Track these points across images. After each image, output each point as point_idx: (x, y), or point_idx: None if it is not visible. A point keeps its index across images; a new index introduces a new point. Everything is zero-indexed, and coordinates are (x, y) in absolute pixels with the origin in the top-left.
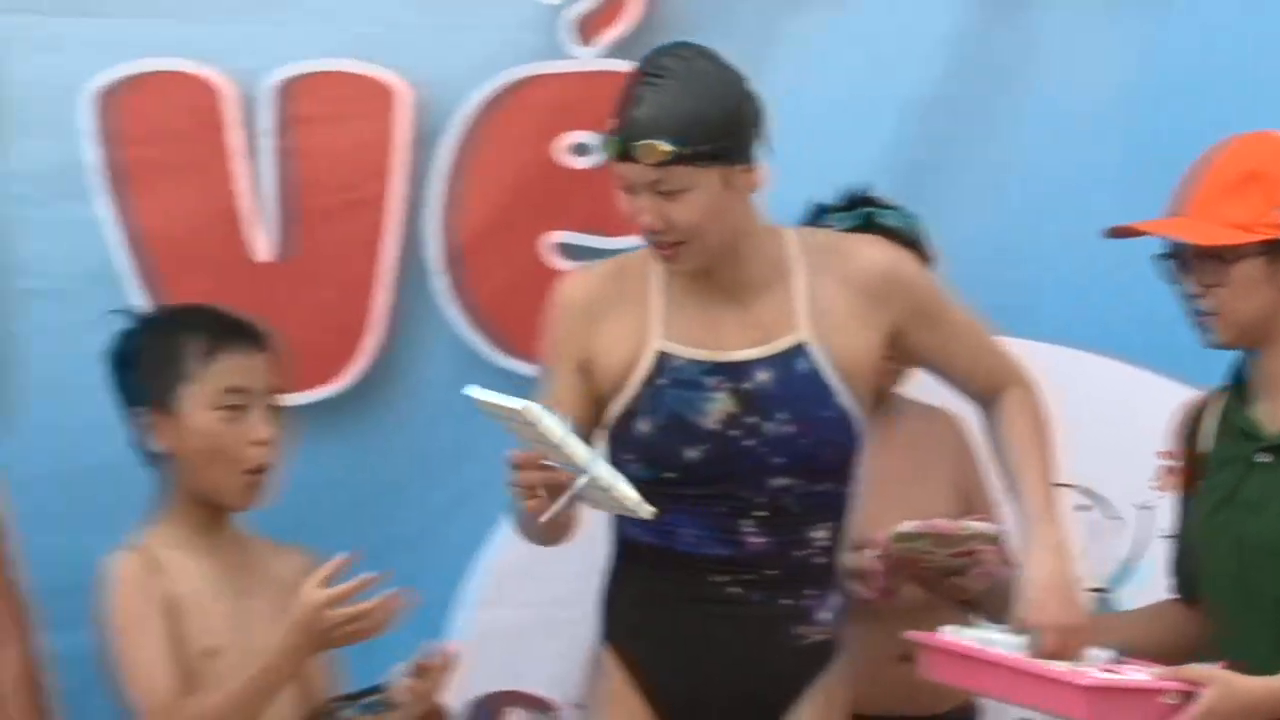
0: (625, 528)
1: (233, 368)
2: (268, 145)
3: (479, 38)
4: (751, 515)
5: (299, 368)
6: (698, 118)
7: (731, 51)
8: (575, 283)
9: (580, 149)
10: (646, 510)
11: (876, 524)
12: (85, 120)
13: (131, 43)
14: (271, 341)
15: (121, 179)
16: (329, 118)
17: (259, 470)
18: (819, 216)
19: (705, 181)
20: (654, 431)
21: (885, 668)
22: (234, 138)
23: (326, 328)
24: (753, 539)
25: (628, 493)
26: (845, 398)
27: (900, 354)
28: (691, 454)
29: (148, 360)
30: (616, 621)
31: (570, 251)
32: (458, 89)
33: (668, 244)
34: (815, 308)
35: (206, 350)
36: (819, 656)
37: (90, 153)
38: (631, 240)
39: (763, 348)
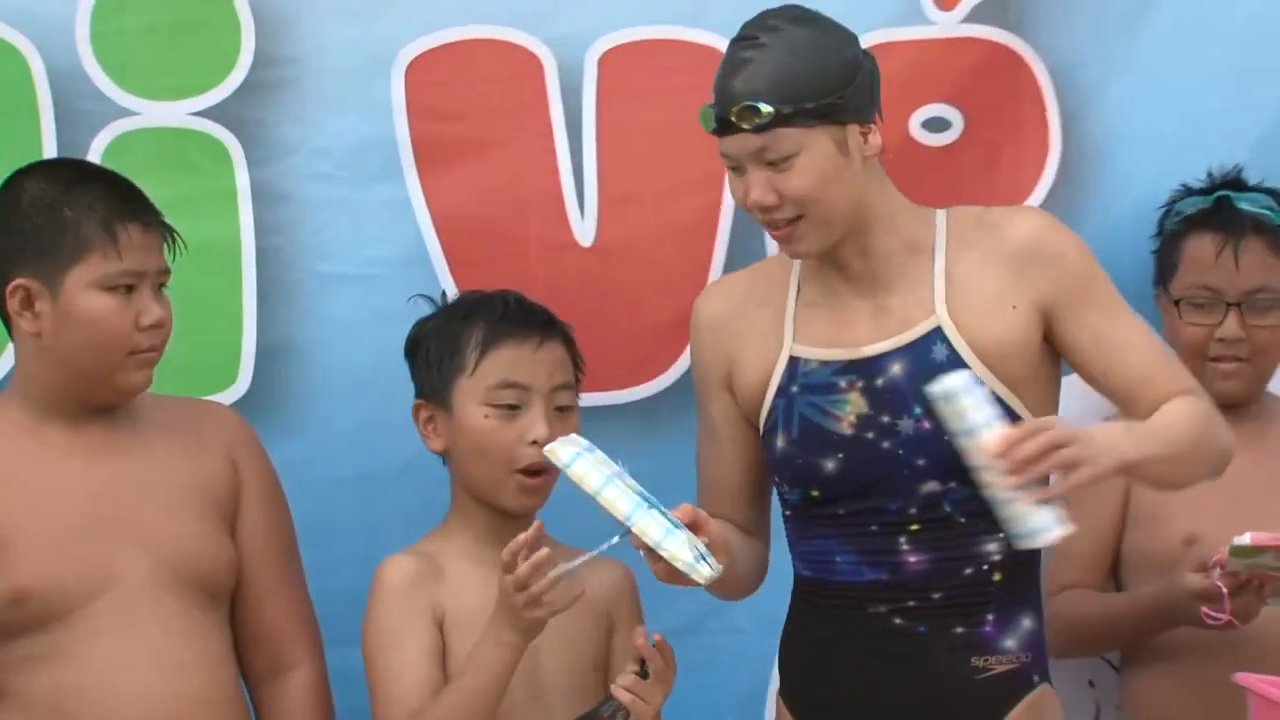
0: (793, 560)
1: (508, 361)
2: (590, 120)
3: (827, 2)
4: (907, 530)
5: (620, 363)
6: (797, 74)
7: (1106, 10)
8: (708, 296)
9: (937, 124)
10: (701, 574)
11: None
12: (395, 94)
13: (445, 10)
14: (563, 334)
15: (433, 156)
16: (658, 90)
17: (533, 471)
18: (1176, 201)
19: (815, 143)
20: (790, 446)
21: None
22: (554, 111)
23: (651, 319)
24: (911, 558)
25: (675, 553)
26: (998, 386)
27: (1058, 348)
28: (829, 466)
29: (429, 352)
30: (785, 672)
31: None
32: None
33: (784, 222)
34: (955, 288)
35: (482, 342)
36: (1008, 691)
37: (400, 129)
38: None
39: (896, 338)
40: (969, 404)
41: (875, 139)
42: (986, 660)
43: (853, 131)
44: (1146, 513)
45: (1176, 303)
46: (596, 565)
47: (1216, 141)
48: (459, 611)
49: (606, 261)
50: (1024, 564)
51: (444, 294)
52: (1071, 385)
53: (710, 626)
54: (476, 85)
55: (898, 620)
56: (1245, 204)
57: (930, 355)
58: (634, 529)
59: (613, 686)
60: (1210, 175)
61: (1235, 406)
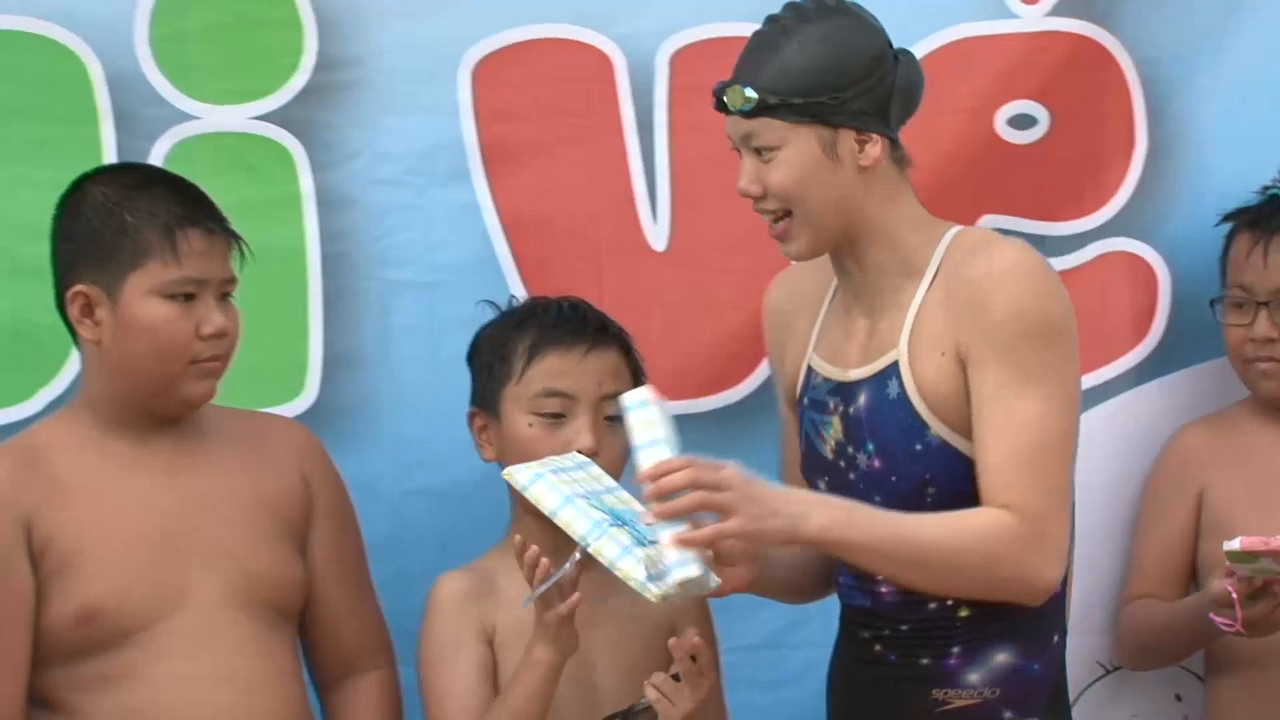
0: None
1: (553, 369)
2: (662, 120)
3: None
4: None
5: (694, 371)
6: (794, 67)
7: (1191, 8)
8: (774, 286)
9: (1023, 121)
10: (651, 593)
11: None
12: (462, 95)
13: (512, 9)
14: (618, 341)
15: (501, 158)
16: None
17: None
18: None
19: (799, 140)
20: (803, 462)
21: None
22: (625, 112)
23: (727, 326)
24: (883, 589)
25: (629, 572)
26: (943, 431)
27: None
28: (822, 487)
29: (482, 359)
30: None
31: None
32: None
33: (773, 217)
34: (920, 321)
35: (529, 350)
36: None
37: (467, 131)
38: (1075, 225)
39: (868, 366)
40: (642, 421)
41: (874, 150)
42: (946, 694)
43: (845, 136)
44: (1217, 520)
45: (1212, 303)
46: None
47: None
48: (511, 625)
49: (680, 266)
50: (999, 602)
51: (510, 299)
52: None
53: (791, 640)
54: (545, 85)
55: (877, 647)
56: None
57: (885, 390)
58: (590, 549)
59: (645, 685)
60: None
61: None
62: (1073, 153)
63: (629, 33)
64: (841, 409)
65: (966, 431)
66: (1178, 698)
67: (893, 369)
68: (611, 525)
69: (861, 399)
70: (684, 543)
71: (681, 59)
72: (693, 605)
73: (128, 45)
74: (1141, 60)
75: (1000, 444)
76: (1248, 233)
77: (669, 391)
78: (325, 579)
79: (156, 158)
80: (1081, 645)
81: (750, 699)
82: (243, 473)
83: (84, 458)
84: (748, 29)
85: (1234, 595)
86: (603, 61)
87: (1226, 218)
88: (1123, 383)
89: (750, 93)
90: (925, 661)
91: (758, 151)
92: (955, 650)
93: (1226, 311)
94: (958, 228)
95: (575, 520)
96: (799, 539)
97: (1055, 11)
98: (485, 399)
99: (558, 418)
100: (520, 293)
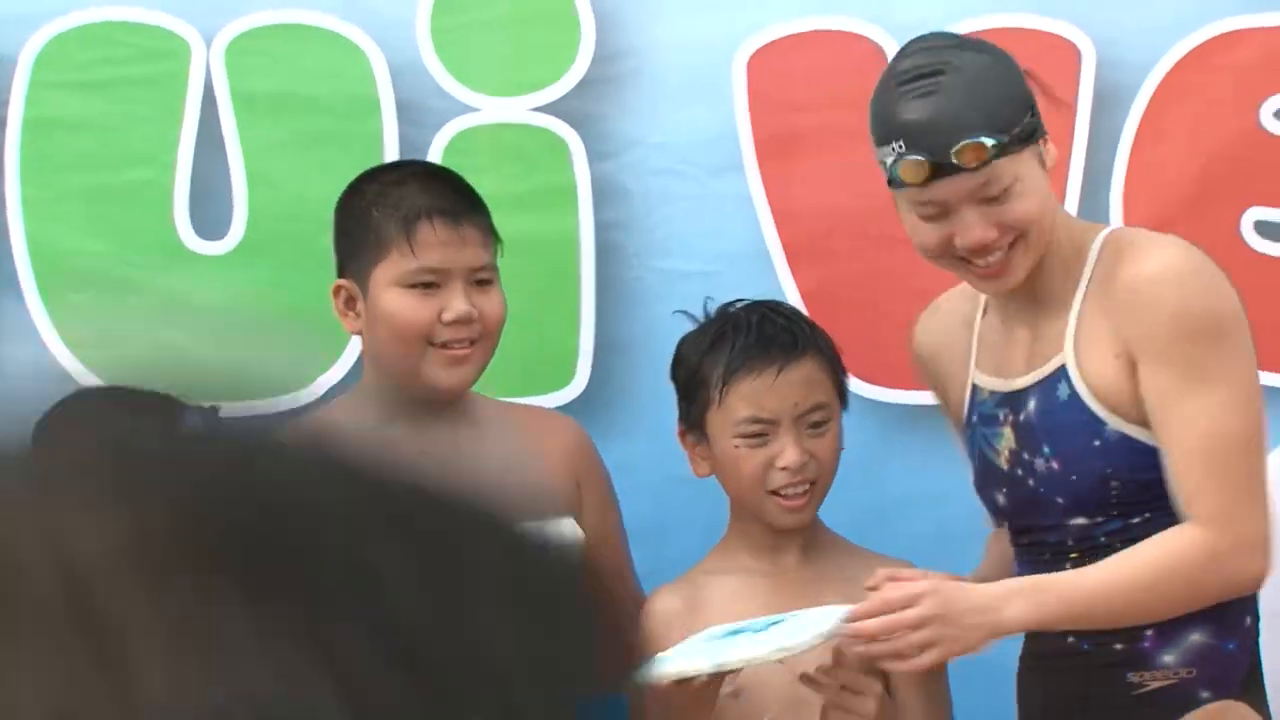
0: None
1: (750, 395)
2: None
3: None
4: (1070, 559)
5: None
6: (1000, 99)
7: None
8: (920, 322)
9: None
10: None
11: None
12: (737, 86)
13: (786, 0)
14: (815, 348)
15: (775, 150)
16: None
17: (789, 494)
18: None
19: (1027, 165)
20: (977, 479)
21: None
22: None
23: None
24: None
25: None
26: (1122, 425)
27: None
28: (1000, 500)
29: (681, 381)
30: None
31: (1272, 230)
32: (1151, 45)
33: (999, 256)
34: (1082, 324)
35: (723, 376)
36: (1167, 706)
37: (742, 122)
38: None
39: (1035, 372)
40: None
41: (1053, 149)
42: (1142, 676)
43: (1044, 145)
44: None
45: None
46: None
47: None
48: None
49: None
50: None
51: (706, 303)
52: None
53: None
54: (819, 76)
55: (1070, 639)
56: None
57: (1055, 393)
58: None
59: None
60: None
61: None
62: None
63: (903, 23)
64: (1012, 418)
65: (1145, 423)
66: None
67: (1060, 372)
68: (738, 633)
69: (1032, 404)
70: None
71: None
72: None
73: (409, 38)
74: None
75: (1178, 450)
76: None
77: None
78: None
79: (437, 148)
80: None
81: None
82: (517, 466)
83: (366, 443)
84: (1018, 20)
85: None
86: (876, 52)
87: None
88: None
89: (989, 141)
90: (1119, 646)
91: (988, 199)
92: (1149, 633)
93: None
94: (1108, 228)
95: (702, 659)
96: (1001, 636)
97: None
98: (691, 419)
99: (760, 437)
100: (790, 284)
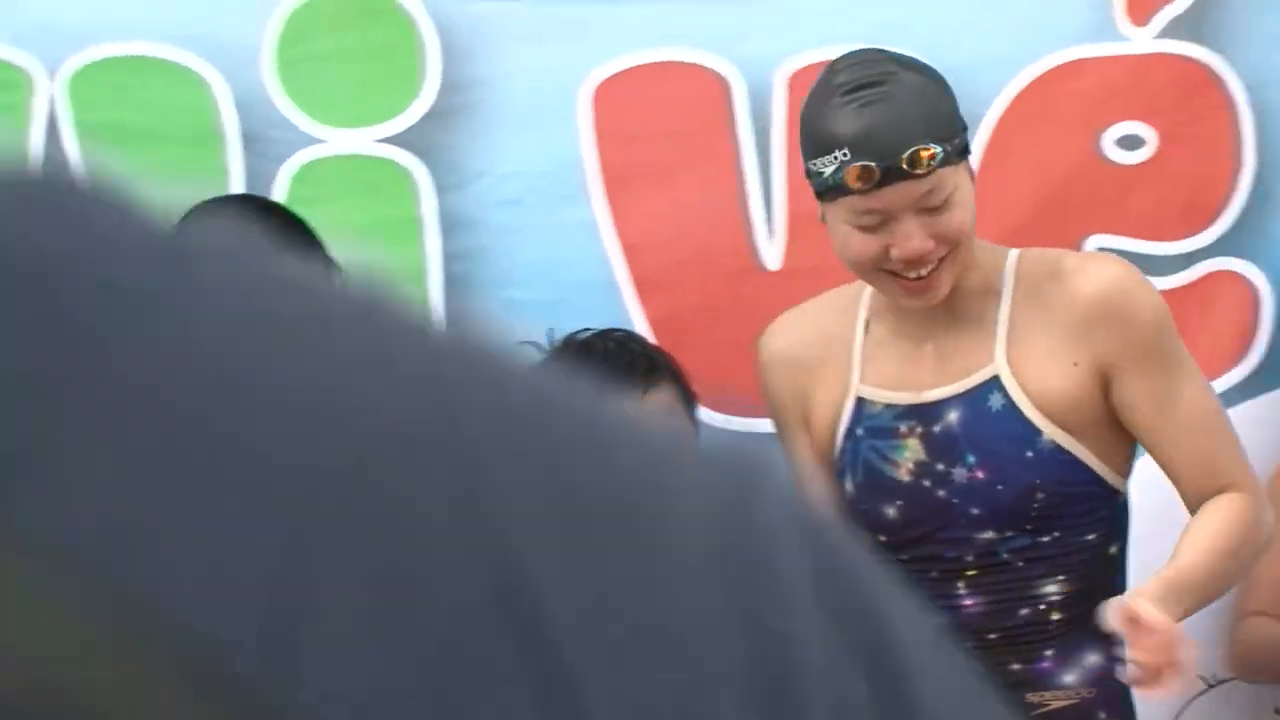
0: None
1: None
2: (779, 141)
3: (1021, 18)
4: (964, 576)
5: None
6: (941, 111)
7: None
8: (777, 334)
9: (1131, 141)
10: None
11: None
12: (582, 117)
13: (632, 32)
14: (669, 373)
15: (621, 180)
16: None
17: None
18: None
19: (962, 179)
20: (855, 491)
21: None
22: (743, 133)
23: None
24: (968, 601)
25: None
26: (1058, 435)
27: (1115, 409)
28: (890, 512)
29: None
30: None
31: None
32: (995, 74)
33: (930, 267)
34: (1016, 338)
35: None
36: None
37: (588, 152)
38: (1181, 245)
39: (955, 384)
40: None
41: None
42: (1042, 696)
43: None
44: None
45: None
46: None
47: None
48: None
49: (793, 285)
50: (1092, 600)
51: (550, 333)
52: None
53: None
54: (664, 108)
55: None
56: None
57: (986, 404)
58: None
59: None
60: None
61: None
62: (1180, 173)
63: (747, 56)
64: (920, 429)
65: (1083, 435)
66: (1276, 711)
67: (992, 384)
68: None
69: (951, 416)
70: None
71: (798, 80)
72: None
73: (254, 69)
74: (1250, 83)
75: (1190, 435)
76: None
77: None
78: None
79: (283, 180)
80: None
81: None
82: None
83: None
84: None
85: None
86: (721, 84)
87: None
88: (1225, 400)
89: (936, 148)
90: (1017, 667)
91: (928, 209)
92: (1049, 653)
93: None
94: (1015, 250)
95: None
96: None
97: (1164, 34)
98: None
99: None
100: (637, 313)
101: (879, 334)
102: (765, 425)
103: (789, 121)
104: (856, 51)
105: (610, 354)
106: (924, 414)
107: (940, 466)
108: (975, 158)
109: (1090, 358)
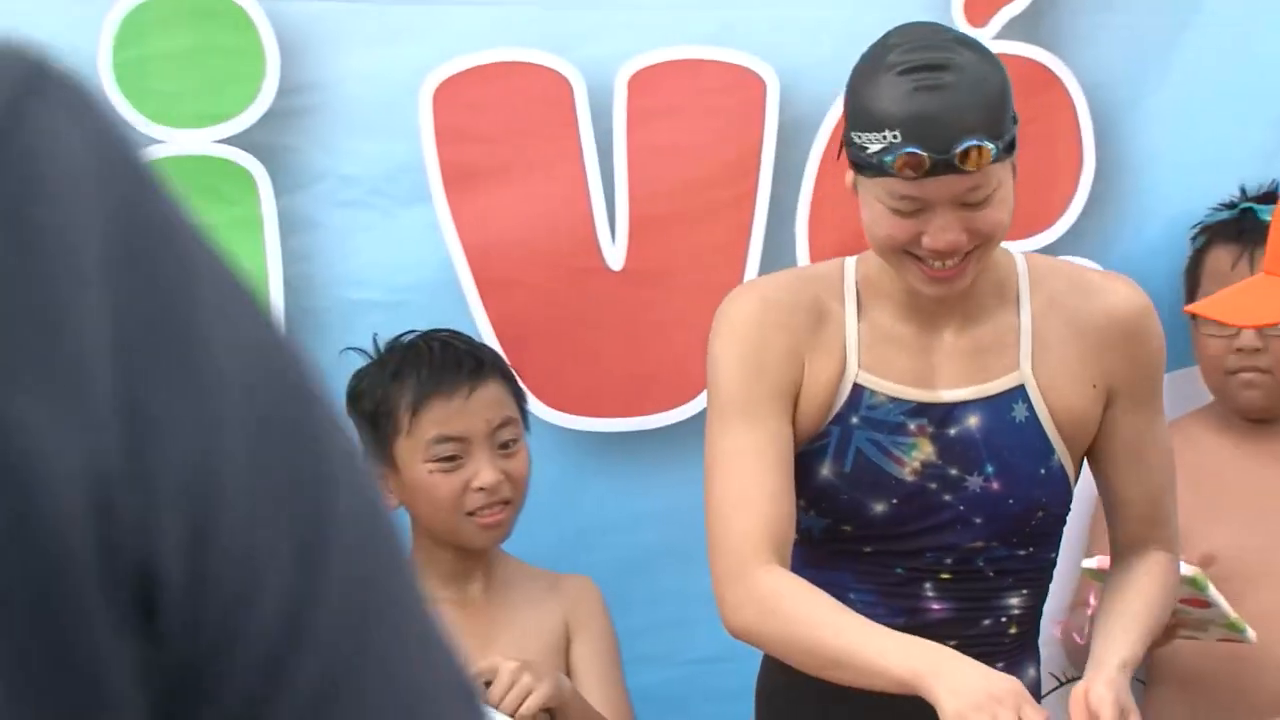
0: None
1: (441, 417)
2: (620, 142)
3: (856, 18)
4: (935, 578)
5: (650, 388)
6: (997, 105)
7: (1141, 26)
8: (759, 293)
9: None
10: None
11: (1266, 559)
12: (423, 118)
13: (472, 33)
14: (499, 371)
15: (462, 180)
16: (689, 111)
17: (486, 514)
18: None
19: (1007, 177)
20: (837, 478)
21: None
22: (584, 134)
23: (681, 344)
24: (935, 605)
25: None
26: (1064, 457)
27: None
28: (879, 508)
29: (365, 411)
30: (767, 709)
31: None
32: (835, 75)
33: (957, 259)
34: (1041, 348)
35: (413, 403)
36: None
37: (429, 153)
38: (1025, 244)
39: (977, 387)
40: None
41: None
42: None
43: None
44: None
45: (1194, 317)
46: (568, 585)
47: (1251, 162)
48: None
49: (636, 286)
50: (1037, 616)
51: (375, 338)
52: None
53: (748, 652)
54: (505, 108)
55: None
56: (1266, 215)
57: (1010, 414)
58: None
59: None
60: (1243, 190)
61: (1261, 421)
62: (1021, 173)
63: (588, 57)
64: (932, 430)
65: (1075, 456)
66: None
67: (1018, 393)
68: None
69: (972, 421)
70: None
71: (638, 82)
72: (591, 608)
73: (91, 70)
74: (1088, 82)
75: (1150, 477)
76: (1228, 246)
77: (624, 408)
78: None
79: None
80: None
81: (708, 711)
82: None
83: None
84: (705, 52)
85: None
86: (562, 84)
87: (1202, 231)
88: None
89: (990, 145)
90: None
91: (968, 204)
92: (1000, 665)
93: (1206, 323)
94: (1015, 250)
95: None
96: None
97: (1002, 35)
98: (376, 450)
99: (455, 459)
100: (480, 313)
101: (877, 319)
102: (610, 425)
103: (630, 123)
104: (918, 24)
105: (435, 354)
106: (939, 414)
107: (954, 471)
108: (815, 163)
109: (1103, 379)
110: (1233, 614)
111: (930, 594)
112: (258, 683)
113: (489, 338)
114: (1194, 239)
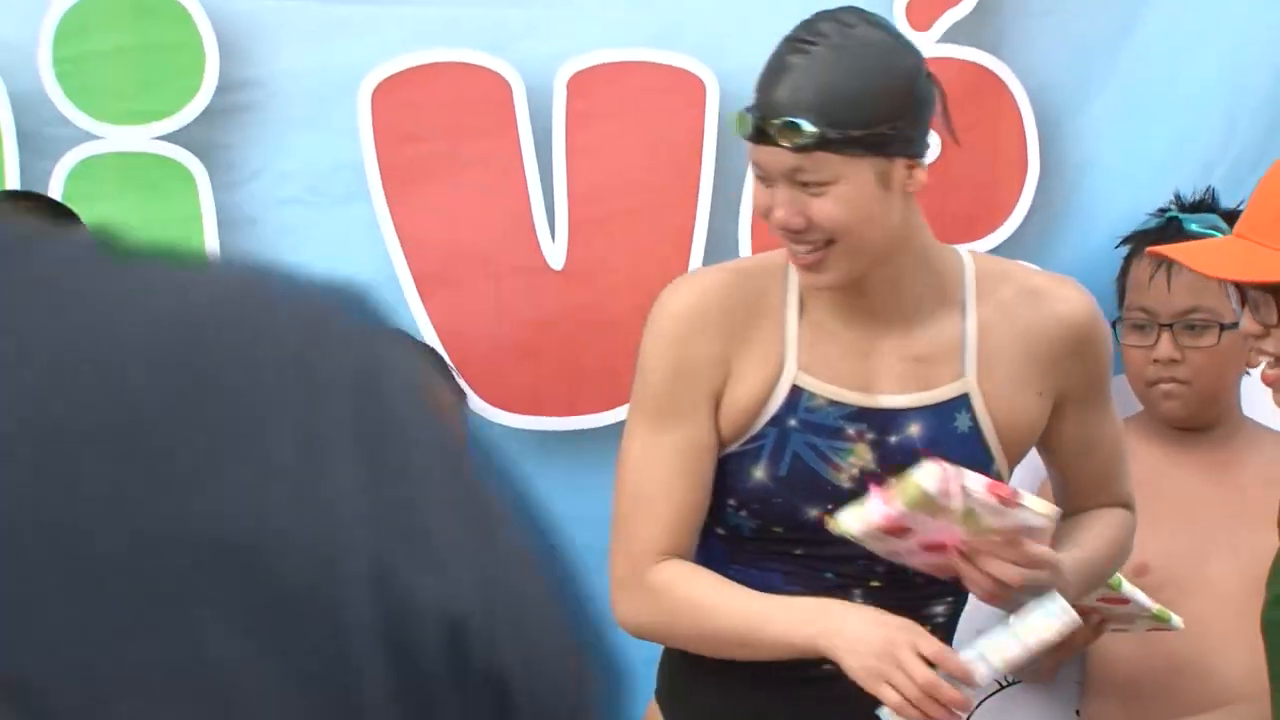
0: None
1: None
2: (559, 142)
3: (795, 21)
4: (865, 585)
5: (590, 387)
6: (849, 95)
7: (1086, 32)
8: (695, 290)
9: None
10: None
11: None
12: (362, 116)
13: (411, 32)
14: (435, 367)
15: (401, 179)
16: (628, 112)
17: None
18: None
19: (855, 173)
20: (772, 482)
21: None
22: (523, 134)
23: (622, 343)
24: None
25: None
26: (1003, 466)
27: (1046, 432)
28: (813, 513)
29: None
30: (676, 698)
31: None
32: None
33: (810, 248)
34: (985, 355)
35: None
36: None
37: (367, 151)
38: (968, 249)
39: (920, 394)
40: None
41: (921, 175)
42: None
43: (899, 164)
44: None
45: (1114, 324)
46: None
47: (1194, 167)
48: None
49: (576, 285)
50: (956, 623)
51: None
52: None
53: None
54: (444, 108)
55: (827, 665)
56: (1194, 225)
57: (952, 423)
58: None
59: None
60: (1178, 198)
61: (1194, 430)
62: (965, 178)
63: (527, 57)
64: (872, 437)
65: (1016, 463)
66: (1077, 713)
67: (961, 402)
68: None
69: (913, 429)
70: None
71: (577, 83)
72: None
73: (30, 66)
74: (1031, 86)
75: (1102, 467)
76: (1149, 256)
77: (565, 407)
78: None
79: (59, 177)
80: None
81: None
82: None
83: None
84: (645, 54)
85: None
86: (501, 85)
87: (1126, 240)
88: None
89: (809, 127)
90: None
91: (802, 184)
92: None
93: (1127, 333)
94: (963, 251)
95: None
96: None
97: (945, 39)
98: None
99: None
100: (420, 311)
101: (818, 318)
102: (547, 423)
103: (569, 123)
104: (845, 8)
105: None
106: (879, 420)
107: (892, 479)
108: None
109: (1051, 387)
110: (1154, 606)
111: (859, 600)
112: None
113: (429, 336)
114: (1119, 247)
